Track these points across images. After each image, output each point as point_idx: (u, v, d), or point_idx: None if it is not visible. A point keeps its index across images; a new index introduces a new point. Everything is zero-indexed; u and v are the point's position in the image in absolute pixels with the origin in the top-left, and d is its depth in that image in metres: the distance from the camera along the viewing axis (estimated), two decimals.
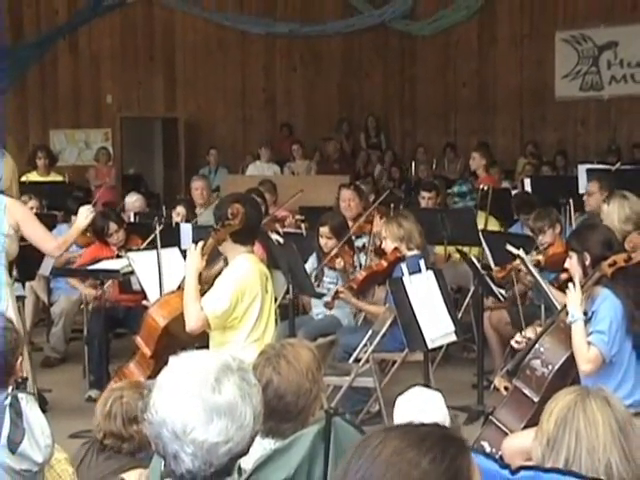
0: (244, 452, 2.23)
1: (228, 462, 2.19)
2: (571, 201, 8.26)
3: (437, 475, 1.67)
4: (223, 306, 5.08)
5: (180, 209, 9.13)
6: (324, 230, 7.43)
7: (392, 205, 8.94)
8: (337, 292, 6.96)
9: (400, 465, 1.68)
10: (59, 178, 11.21)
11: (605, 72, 15.01)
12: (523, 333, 5.23)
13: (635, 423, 2.48)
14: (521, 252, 6.39)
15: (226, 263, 5.36)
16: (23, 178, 11.00)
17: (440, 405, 3.84)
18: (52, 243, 6.10)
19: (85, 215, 6.24)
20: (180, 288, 5.41)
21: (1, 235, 5.89)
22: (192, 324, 5.06)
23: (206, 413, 2.12)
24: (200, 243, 5.25)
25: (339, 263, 7.24)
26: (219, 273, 5.33)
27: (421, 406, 3.79)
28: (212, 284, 5.23)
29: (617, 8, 14.67)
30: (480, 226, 8.39)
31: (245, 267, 5.21)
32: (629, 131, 14.81)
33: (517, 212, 8.79)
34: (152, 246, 7.45)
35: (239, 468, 2.82)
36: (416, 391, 3.92)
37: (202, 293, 5.20)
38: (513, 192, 9.53)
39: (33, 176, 11.10)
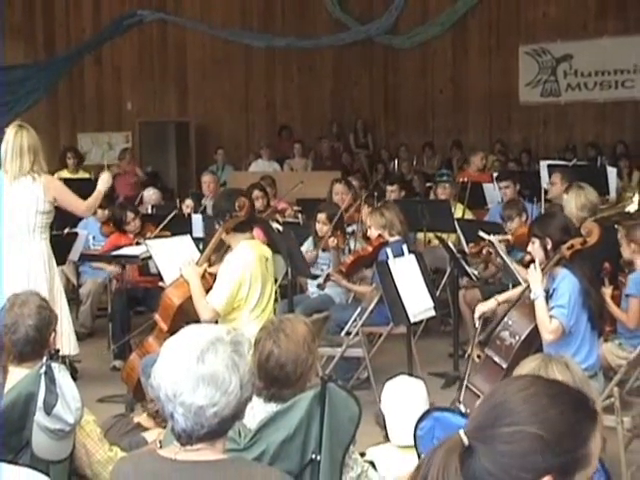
0: (235, 415, 2.23)
1: (219, 424, 2.20)
2: (543, 192, 8.28)
3: (559, 425, 1.66)
4: (226, 296, 5.12)
5: (188, 201, 9.23)
6: (321, 217, 7.43)
7: (376, 195, 8.95)
8: (328, 275, 6.96)
9: (533, 406, 1.68)
10: (86, 175, 11.24)
11: (562, 81, 15.05)
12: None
13: (590, 384, 2.47)
14: (491, 237, 6.39)
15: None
16: (55, 176, 11.02)
17: (422, 392, 3.85)
18: (83, 206, 6.26)
19: (105, 180, 6.41)
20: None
21: (44, 214, 5.96)
22: (205, 317, 5.11)
23: (192, 380, 2.16)
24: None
25: (332, 241, 7.23)
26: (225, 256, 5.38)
27: (405, 392, 3.81)
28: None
29: (571, 26, 14.71)
30: (459, 215, 8.42)
31: (244, 254, 5.21)
32: (583, 131, 14.84)
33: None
34: (167, 234, 7.49)
35: (240, 429, 2.84)
36: (402, 379, 3.94)
37: (212, 274, 5.25)
38: (485, 185, 9.50)
39: (64, 174, 11.11)
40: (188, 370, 2.17)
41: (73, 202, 6.20)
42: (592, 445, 1.70)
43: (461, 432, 1.69)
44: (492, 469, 1.65)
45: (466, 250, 7.22)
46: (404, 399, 3.75)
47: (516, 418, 1.67)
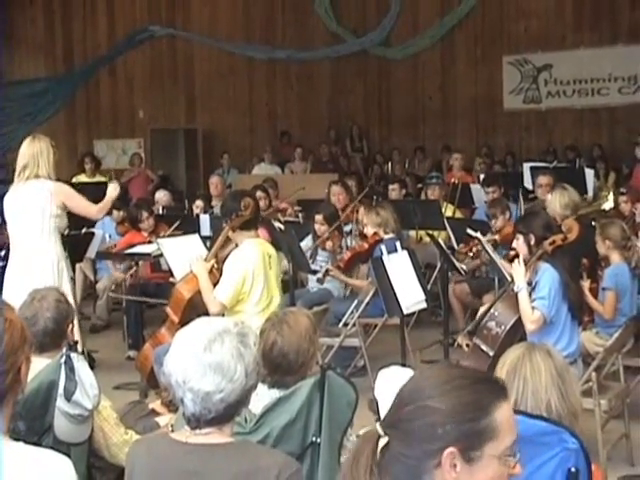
0: (240, 401, 2.24)
1: (225, 409, 2.21)
2: (521, 191, 8.30)
3: (458, 397, 1.66)
4: (231, 291, 5.13)
5: (199, 202, 9.22)
6: (318, 217, 7.43)
7: (374, 197, 8.98)
8: (327, 270, 6.97)
9: (433, 383, 1.71)
10: (103, 179, 11.22)
11: (543, 88, 15.03)
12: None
13: (570, 370, 2.48)
14: (478, 234, 6.40)
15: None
16: (73, 180, 11.06)
17: None
18: (94, 209, 6.14)
19: (114, 188, 6.32)
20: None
21: (52, 217, 5.87)
22: (213, 310, 5.11)
23: (200, 368, 2.17)
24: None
25: (329, 245, 7.24)
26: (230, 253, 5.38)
27: (397, 380, 3.79)
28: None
29: (551, 38, 14.70)
30: (449, 214, 8.43)
31: (248, 251, 5.21)
32: (562, 136, 14.83)
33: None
34: (177, 232, 7.49)
35: (246, 415, 2.85)
36: (394, 368, 3.93)
37: (219, 269, 5.25)
38: (472, 186, 9.51)
39: (82, 178, 11.13)
40: (196, 358, 2.18)
41: (83, 206, 6.08)
42: (497, 417, 1.68)
43: (377, 424, 1.70)
44: (403, 450, 1.66)
45: (455, 247, 7.23)
46: (395, 387, 3.74)
47: (416, 395, 1.69)
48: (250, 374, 2.23)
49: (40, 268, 5.81)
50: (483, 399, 1.69)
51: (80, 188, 6.67)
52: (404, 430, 1.67)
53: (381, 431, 1.69)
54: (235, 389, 2.20)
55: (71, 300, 5.87)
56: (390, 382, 3.83)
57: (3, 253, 6.57)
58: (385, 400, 3.84)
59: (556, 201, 6.56)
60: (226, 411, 2.21)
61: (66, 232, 6.29)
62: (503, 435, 1.69)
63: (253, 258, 5.19)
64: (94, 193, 6.44)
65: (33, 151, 5.83)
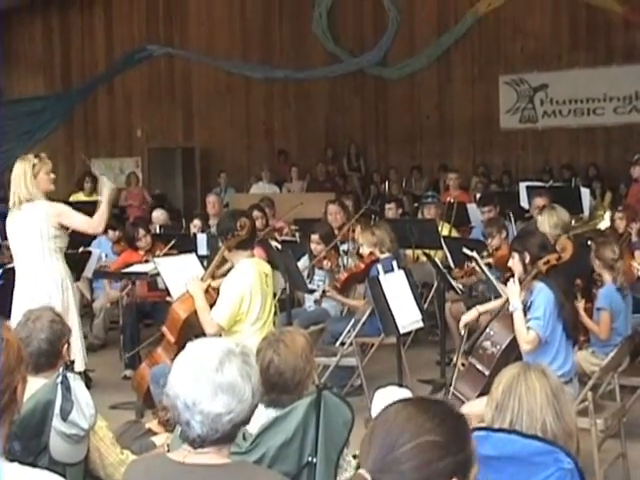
0: (245, 421, 2.24)
1: (231, 429, 2.20)
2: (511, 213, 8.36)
3: (444, 431, 1.68)
4: (228, 312, 5.12)
5: (196, 222, 9.22)
6: (314, 237, 7.44)
7: (373, 216, 9.01)
8: (324, 291, 6.97)
9: (418, 421, 1.70)
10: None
11: (539, 108, 15.12)
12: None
13: (565, 390, 2.49)
14: (474, 254, 6.42)
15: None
16: (71, 198, 11.11)
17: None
18: (93, 221, 6.02)
19: (107, 187, 6.18)
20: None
21: (52, 239, 5.86)
22: (209, 331, 5.09)
23: (211, 389, 2.15)
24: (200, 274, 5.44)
25: (326, 264, 7.25)
26: (227, 272, 5.38)
27: (393, 400, 3.76)
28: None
29: (547, 58, 14.81)
30: (446, 233, 8.45)
31: (245, 271, 5.21)
32: (558, 155, 14.90)
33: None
34: (173, 252, 7.50)
35: (244, 433, 2.85)
36: (390, 388, 3.92)
37: (216, 289, 5.25)
38: (468, 205, 9.53)
39: (80, 196, 11.17)
40: (207, 379, 2.15)
41: (80, 222, 6.01)
42: (473, 443, 1.73)
43: (361, 471, 1.68)
44: None
45: (452, 266, 7.24)
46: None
47: (409, 435, 1.67)
48: (255, 393, 2.23)
49: (46, 289, 5.81)
50: (463, 429, 1.73)
51: (78, 207, 6.65)
52: (404, 471, 1.66)
53: (369, 477, 1.69)
54: (244, 409, 2.19)
55: (76, 318, 5.93)
56: (387, 401, 3.83)
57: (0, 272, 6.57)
58: None
59: (545, 221, 6.63)
60: (232, 431, 2.21)
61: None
62: (476, 458, 1.74)
63: (250, 278, 5.19)
64: (91, 213, 6.42)
65: (16, 174, 5.84)
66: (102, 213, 6.05)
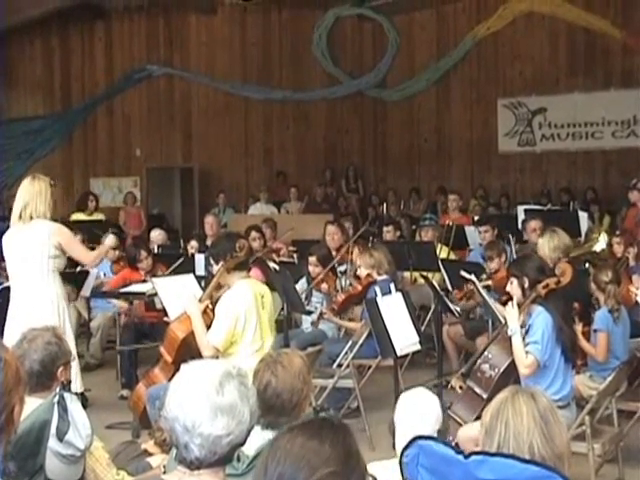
0: (243, 443, 2.24)
1: (229, 451, 2.19)
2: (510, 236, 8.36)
3: (338, 455, 1.69)
4: (224, 333, 5.12)
5: (193, 243, 9.23)
6: (312, 259, 7.45)
7: (371, 238, 9.02)
8: (321, 313, 6.97)
9: (308, 455, 1.70)
10: (100, 216, 11.39)
11: (537, 131, 15.19)
12: None
13: (557, 412, 2.46)
14: (472, 277, 6.42)
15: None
16: (72, 217, 11.16)
17: (435, 408, 3.68)
18: (89, 258, 6.24)
19: (110, 239, 6.42)
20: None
21: (51, 258, 5.90)
22: (206, 354, 5.10)
23: (211, 411, 2.13)
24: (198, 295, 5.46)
25: (324, 287, 7.25)
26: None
27: (418, 406, 3.68)
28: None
29: (545, 81, 14.90)
30: (444, 256, 8.46)
31: (240, 292, 5.21)
32: (557, 178, 14.95)
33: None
34: (173, 273, 7.50)
35: (239, 455, 2.84)
36: (418, 391, 3.82)
37: (213, 307, 5.26)
38: (467, 228, 9.55)
39: (80, 216, 11.21)
40: (208, 401, 2.14)
41: (78, 252, 6.17)
42: (359, 453, 1.78)
43: None
44: None
45: (449, 288, 7.24)
46: (416, 412, 3.64)
47: (305, 472, 1.69)
48: (253, 415, 2.22)
49: (41, 309, 5.82)
50: (349, 438, 1.81)
51: (78, 226, 6.70)
52: None
53: None
54: (242, 431, 2.19)
55: (72, 339, 5.91)
56: (411, 406, 3.73)
57: None
58: (403, 425, 3.73)
59: (545, 244, 6.62)
60: (229, 453, 2.20)
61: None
62: (364, 465, 1.82)
63: (245, 299, 5.19)
64: (90, 231, 6.46)
65: (33, 191, 5.88)
66: (99, 254, 6.32)
